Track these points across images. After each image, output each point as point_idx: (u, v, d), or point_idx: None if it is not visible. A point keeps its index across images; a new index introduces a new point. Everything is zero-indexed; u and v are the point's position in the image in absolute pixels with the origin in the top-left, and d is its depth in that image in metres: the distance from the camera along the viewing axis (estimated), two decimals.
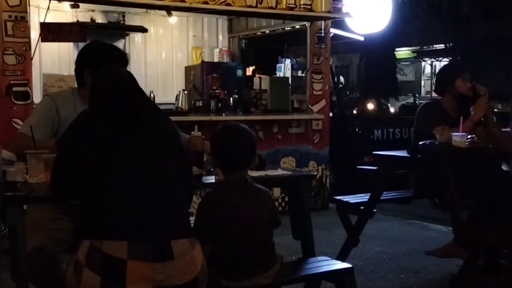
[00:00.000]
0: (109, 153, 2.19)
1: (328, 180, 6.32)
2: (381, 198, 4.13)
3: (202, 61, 6.43)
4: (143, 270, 2.06)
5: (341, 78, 12.20)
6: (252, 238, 2.54)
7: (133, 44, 6.87)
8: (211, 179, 2.79)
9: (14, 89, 4.70)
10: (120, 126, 2.24)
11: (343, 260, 3.65)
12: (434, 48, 14.37)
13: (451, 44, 12.78)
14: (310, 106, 6.14)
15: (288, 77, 6.37)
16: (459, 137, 3.75)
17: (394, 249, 4.80)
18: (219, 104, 5.67)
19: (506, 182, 3.83)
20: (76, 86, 2.94)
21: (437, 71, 15.69)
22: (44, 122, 2.84)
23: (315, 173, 5.88)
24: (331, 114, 6.66)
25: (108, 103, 2.29)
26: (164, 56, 7.10)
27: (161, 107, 5.52)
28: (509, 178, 3.84)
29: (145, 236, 2.11)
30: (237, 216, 2.52)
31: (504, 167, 4.00)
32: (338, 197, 4.33)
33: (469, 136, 3.76)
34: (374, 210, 4.15)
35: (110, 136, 2.22)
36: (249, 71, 6.77)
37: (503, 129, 3.88)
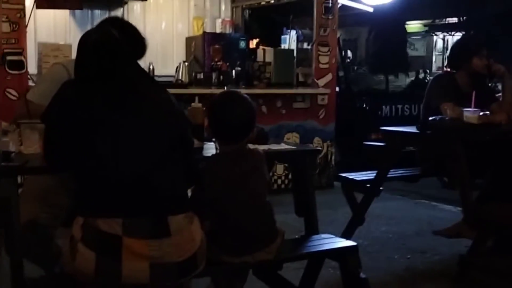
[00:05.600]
0: (98, 127, 2.07)
1: (333, 157, 6.18)
2: (388, 176, 4.06)
3: (204, 32, 6.22)
4: (139, 247, 2.00)
5: (349, 53, 11.95)
6: (251, 211, 2.45)
7: (132, 13, 6.66)
8: (212, 152, 2.67)
9: (8, 58, 4.60)
10: (109, 97, 2.11)
11: (347, 239, 3.54)
12: (446, 22, 14.08)
13: (464, 18, 12.48)
14: (315, 80, 5.96)
15: (293, 50, 6.17)
16: (471, 113, 3.60)
17: (400, 229, 4.70)
18: (221, 77, 5.50)
19: None
20: None
21: (449, 46, 15.41)
22: (51, 90, 2.63)
23: (320, 149, 5.70)
24: (337, 89, 6.49)
25: (94, 68, 2.14)
26: (164, 26, 6.89)
27: (161, 79, 5.40)
28: None
29: (140, 212, 2.04)
30: (233, 189, 2.42)
31: None
32: (343, 174, 4.22)
33: (481, 113, 3.59)
34: (381, 188, 4.04)
35: (99, 108, 2.09)
36: (253, 43, 6.57)
37: None
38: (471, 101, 3.63)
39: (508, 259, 3.54)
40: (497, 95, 4.06)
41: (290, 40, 6.39)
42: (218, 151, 2.59)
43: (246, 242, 2.45)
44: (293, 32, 6.49)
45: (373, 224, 4.57)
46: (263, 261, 2.50)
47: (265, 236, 2.50)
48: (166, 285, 2.11)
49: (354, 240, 3.60)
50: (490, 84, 4.38)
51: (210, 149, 2.77)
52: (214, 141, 2.76)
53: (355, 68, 12.23)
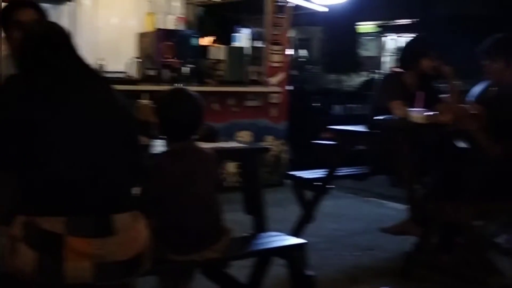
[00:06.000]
0: (40, 125, 2.01)
1: (285, 155, 6.19)
2: (338, 174, 4.10)
3: (156, 28, 6.12)
4: (81, 246, 1.96)
5: (303, 52, 12.01)
6: (198, 210, 2.45)
7: (82, 8, 6.49)
8: (161, 149, 2.66)
9: None
10: (51, 93, 2.05)
11: (297, 237, 3.57)
12: (399, 24, 14.30)
13: (416, 20, 12.71)
14: (267, 79, 5.97)
15: (245, 48, 6.14)
16: (417, 112, 3.66)
17: (350, 227, 4.78)
18: (173, 74, 5.43)
19: (464, 160, 3.76)
20: None
21: (400, 47, 15.66)
22: None
23: (270, 147, 5.70)
24: (291, 87, 6.51)
25: (38, 61, 2.09)
26: (115, 21, 6.75)
27: (112, 75, 5.30)
28: (467, 155, 3.78)
29: (84, 210, 2.00)
30: (180, 187, 2.42)
31: (460, 144, 3.94)
32: (292, 173, 4.25)
33: (428, 113, 3.67)
34: (331, 187, 4.09)
35: (40, 105, 2.03)
36: (208, 41, 6.49)
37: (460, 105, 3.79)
38: (418, 101, 3.70)
39: (451, 256, 3.64)
40: (441, 96, 4.15)
41: (243, 38, 6.37)
42: (166, 149, 2.58)
43: (192, 240, 2.44)
44: (247, 30, 6.48)
45: (323, 221, 4.61)
46: (211, 259, 2.51)
47: (212, 234, 2.50)
48: (110, 284, 2.08)
49: (304, 238, 3.64)
50: (436, 85, 4.46)
51: (158, 146, 2.76)
52: (163, 138, 2.76)
53: (310, 67, 12.29)
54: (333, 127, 4.06)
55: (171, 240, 2.41)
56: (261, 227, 3.07)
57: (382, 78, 4.23)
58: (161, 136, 2.77)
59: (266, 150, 4.03)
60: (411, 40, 4.40)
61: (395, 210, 5.21)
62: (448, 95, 4.05)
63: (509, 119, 3.42)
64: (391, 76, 4.22)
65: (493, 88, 3.84)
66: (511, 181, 3.42)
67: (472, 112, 3.67)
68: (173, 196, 2.42)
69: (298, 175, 4.20)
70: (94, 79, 2.24)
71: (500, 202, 3.47)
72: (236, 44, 6.29)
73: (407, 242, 3.90)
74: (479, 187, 3.52)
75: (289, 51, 6.37)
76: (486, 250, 3.70)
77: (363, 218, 5.06)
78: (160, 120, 2.51)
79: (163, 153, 2.56)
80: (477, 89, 4.35)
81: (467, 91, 4.19)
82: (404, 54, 4.19)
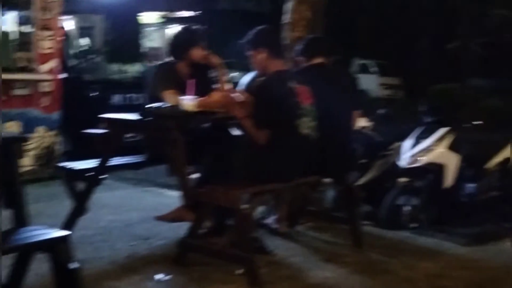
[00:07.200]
0: None
1: (59, 147, 5.90)
2: (112, 164, 3.98)
3: None
4: None
5: (85, 40, 11.56)
6: None
7: None
8: None
9: None
10: None
11: (69, 230, 3.39)
12: (182, 15, 14.52)
13: (199, 12, 13.04)
14: (38, 66, 5.61)
15: (10, 32, 5.69)
16: (188, 100, 3.72)
17: (127, 217, 4.70)
18: None
19: (233, 145, 3.91)
20: None
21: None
22: None
23: (27, 136, 5.31)
24: (65, 76, 6.20)
25: None
26: None
27: None
28: (236, 142, 3.94)
29: None
30: None
31: (232, 131, 4.11)
32: (61, 164, 4.04)
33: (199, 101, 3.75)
34: (104, 177, 3.96)
35: None
36: None
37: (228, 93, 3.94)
38: (189, 89, 3.76)
39: (223, 238, 3.77)
40: (214, 85, 4.27)
41: (8, 21, 5.87)
42: None
43: None
44: (13, 13, 5.99)
45: (99, 213, 4.50)
46: None
47: None
48: None
49: (78, 231, 3.52)
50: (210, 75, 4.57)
51: None
52: None
53: (91, 56, 11.86)
54: (105, 116, 3.93)
55: None
56: (21, 221, 2.85)
57: (155, 68, 4.21)
58: None
59: (23, 139, 3.75)
60: (180, 30, 4.42)
61: (174, 198, 5.21)
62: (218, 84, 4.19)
63: (270, 108, 3.61)
64: (164, 66, 4.23)
65: (260, 78, 4.05)
66: (274, 165, 3.63)
67: (239, 100, 3.83)
68: None
69: (68, 166, 4.01)
70: None
71: (266, 185, 3.67)
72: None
73: (184, 228, 3.97)
74: (247, 171, 3.69)
75: (62, 37, 6.04)
76: (254, 230, 3.91)
77: (141, 207, 5.01)
78: None
79: None
80: (247, 78, 4.58)
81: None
82: (174, 44, 4.22)
